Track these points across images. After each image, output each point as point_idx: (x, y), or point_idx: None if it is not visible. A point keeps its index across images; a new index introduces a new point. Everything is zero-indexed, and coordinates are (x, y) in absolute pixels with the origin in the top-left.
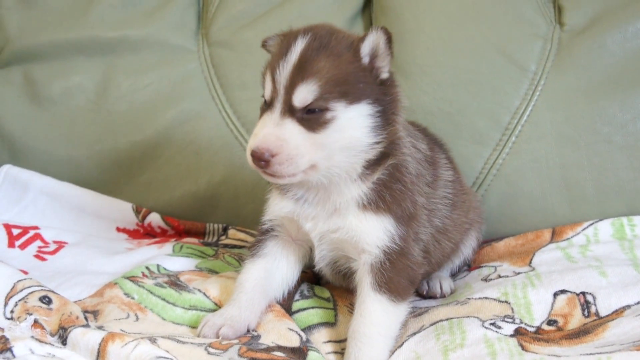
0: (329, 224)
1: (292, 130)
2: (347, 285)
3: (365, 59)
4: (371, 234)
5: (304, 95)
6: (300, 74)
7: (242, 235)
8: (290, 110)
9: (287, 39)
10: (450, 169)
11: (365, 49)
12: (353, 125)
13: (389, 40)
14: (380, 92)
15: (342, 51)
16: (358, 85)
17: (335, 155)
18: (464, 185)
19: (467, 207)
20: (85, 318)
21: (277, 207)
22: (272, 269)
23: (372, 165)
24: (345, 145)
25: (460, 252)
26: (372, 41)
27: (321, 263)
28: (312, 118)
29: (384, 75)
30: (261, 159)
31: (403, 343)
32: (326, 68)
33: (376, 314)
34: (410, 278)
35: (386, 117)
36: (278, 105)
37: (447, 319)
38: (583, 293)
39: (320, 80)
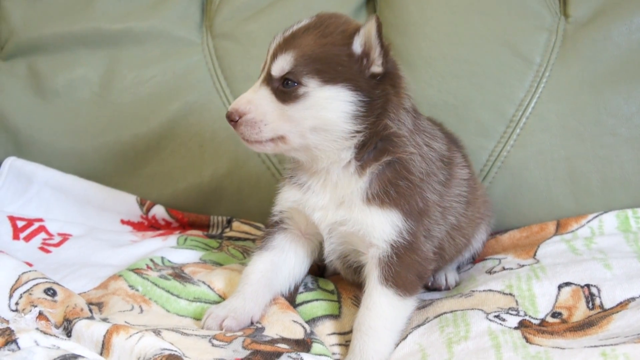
0: (337, 216)
1: (264, 96)
2: (358, 279)
3: (357, 48)
4: (377, 227)
5: (280, 65)
6: (283, 46)
7: (246, 228)
8: (268, 79)
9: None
10: (466, 167)
11: (359, 38)
12: (326, 106)
13: (379, 30)
14: (367, 84)
15: (332, 33)
16: (336, 67)
17: (308, 134)
18: (477, 181)
19: (480, 203)
20: (90, 310)
21: (285, 196)
22: (279, 263)
23: (366, 159)
24: (317, 126)
25: (470, 246)
26: (366, 31)
27: (331, 256)
28: (286, 90)
29: (376, 68)
30: (231, 119)
31: (407, 335)
32: (307, 44)
33: (382, 308)
34: (419, 273)
35: (372, 110)
36: (262, 75)
37: (451, 312)
38: (587, 285)
39: (297, 54)
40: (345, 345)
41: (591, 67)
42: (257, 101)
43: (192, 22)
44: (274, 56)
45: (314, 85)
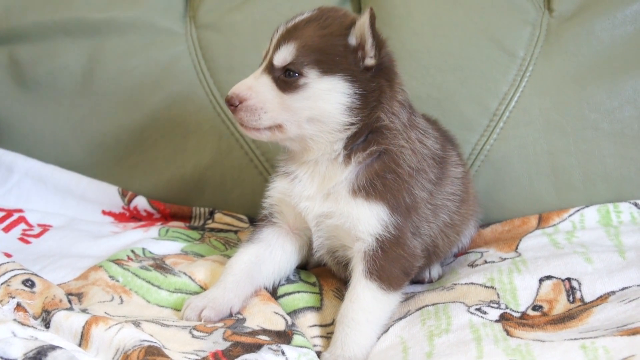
0: (324, 208)
1: (264, 84)
2: (349, 276)
3: (352, 40)
4: (363, 220)
5: (282, 55)
6: (286, 37)
7: (228, 219)
8: (270, 68)
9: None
10: (460, 166)
11: (354, 31)
12: (324, 97)
13: (372, 22)
14: (363, 76)
15: (331, 25)
16: (334, 58)
17: (304, 124)
18: (470, 178)
19: (473, 200)
20: (69, 301)
21: (273, 186)
22: (265, 256)
23: (354, 149)
24: (314, 116)
25: (459, 241)
26: (360, 24)
27: (320, 251)
28: (287, 80)
29: (369, 61)
30: (230, 104)
31: (389, 328)
32: (308, 35)
33: (366, 301)
34: (404, 269)
35: (367, 103)
36: (264, 63)
37: (432, 304)
38: (568, 279)
39: (299, 44)
40: (327, 337)
41: (574, 62)
42: (258, 88)
43: (175, 12)
44: (277, 46)
45: (314, 76)
